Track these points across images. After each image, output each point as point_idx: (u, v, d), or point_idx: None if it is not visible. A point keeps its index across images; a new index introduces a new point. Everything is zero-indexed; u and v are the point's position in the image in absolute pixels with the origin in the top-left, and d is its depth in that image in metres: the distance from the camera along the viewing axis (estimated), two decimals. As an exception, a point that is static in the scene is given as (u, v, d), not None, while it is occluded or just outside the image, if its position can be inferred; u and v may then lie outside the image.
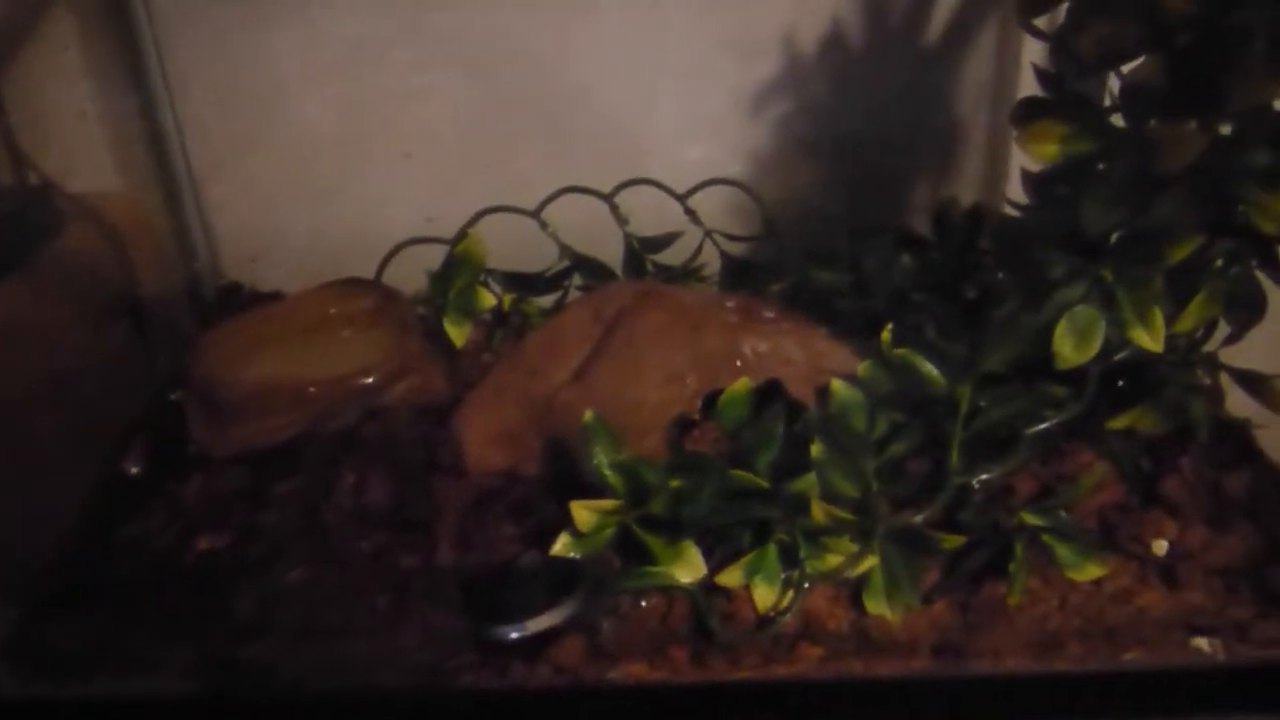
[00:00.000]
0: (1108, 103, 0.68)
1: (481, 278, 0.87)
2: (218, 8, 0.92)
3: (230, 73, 0.94)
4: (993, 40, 0.94)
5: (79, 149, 0.88)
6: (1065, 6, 0.71)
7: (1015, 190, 0.76)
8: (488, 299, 0.87)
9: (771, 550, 0.64)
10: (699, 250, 0.90)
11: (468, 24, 0.93)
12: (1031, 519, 0.66)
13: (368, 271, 0.88)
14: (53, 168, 0.87)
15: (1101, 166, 0.66)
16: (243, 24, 0.92)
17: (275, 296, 0.95)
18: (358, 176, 0.97)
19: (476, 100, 0.95)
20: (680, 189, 0.91)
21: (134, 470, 0.77)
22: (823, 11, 0.93)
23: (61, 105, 0.88)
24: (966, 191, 0.99)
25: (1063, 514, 0.67)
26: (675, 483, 0.64)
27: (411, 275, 0.88)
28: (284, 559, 0.68)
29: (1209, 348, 0.73)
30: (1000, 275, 0.73)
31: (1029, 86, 0.73)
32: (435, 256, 0.88)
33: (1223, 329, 0.72)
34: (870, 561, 0.64)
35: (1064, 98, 0.69)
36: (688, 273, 0.89)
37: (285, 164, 0.97)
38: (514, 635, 0.60)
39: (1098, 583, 0.66)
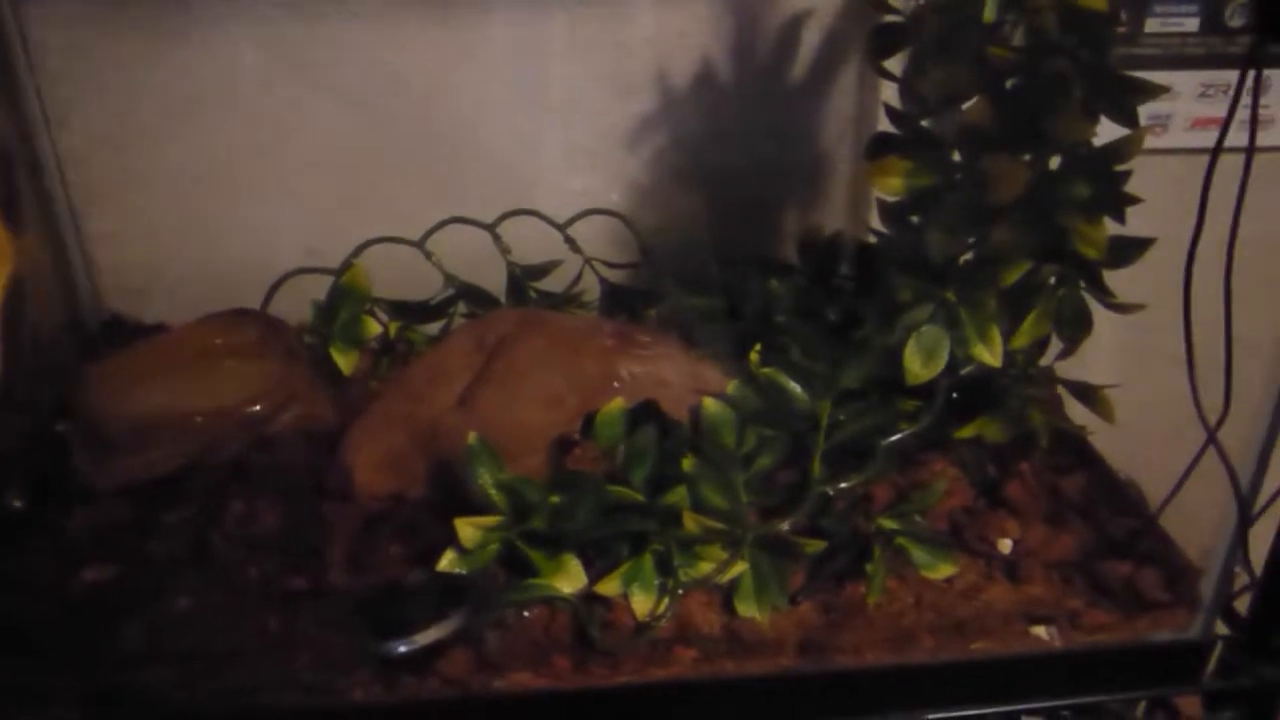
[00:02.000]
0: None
1: (367, 307, 0.89)
2: (99, 40, 0.92)
3: (112, 106, 0.94)
4: (854, 77, 1.00)
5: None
6: (911, 50, 0.77)
7: (876, 218, 0.81)
8: (374, 327, 0.89)
9: (648, 560, 0.67)
10: (579, 278, 0.94)
11: (350, 58, 0.95)
12: (888, 523, 0.72)
13: (252, 303, 0.89)
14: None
15: (944, 197, 0.72)
16: (125, 58, 0.92)
17: (159, 329, 0.96)
18: (241, 209, 0.98)
19: (359, 133, 0.97)
20: (561, 219, 0.94)
21: (16, 504, 0.76)
22: (695, 50, 0.98)
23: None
24: (832, 220, 1.04)
25: (917, 518, 0.73)
26: (555, 499, 0.67)
27: (297, 306, 0.90)
28: (173, 588, 0.69)
29: (1045, 362, 0.80)
30: (857, 299, 0.79)
31: (886, 123, 0.79)
32: (320, 287, 0.90)
33: (1057, 345, 0.78)
34: (740, 567, 0.68)
35: (910, 135, 0.75)
36: (568, 299, 0.93)
37: (168, 197, 0.97)
38: (402, 649, 0.63)
39: (949, 580, 0.72)
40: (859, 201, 1.05)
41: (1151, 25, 1.02)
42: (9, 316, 0.88)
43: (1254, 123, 0.59)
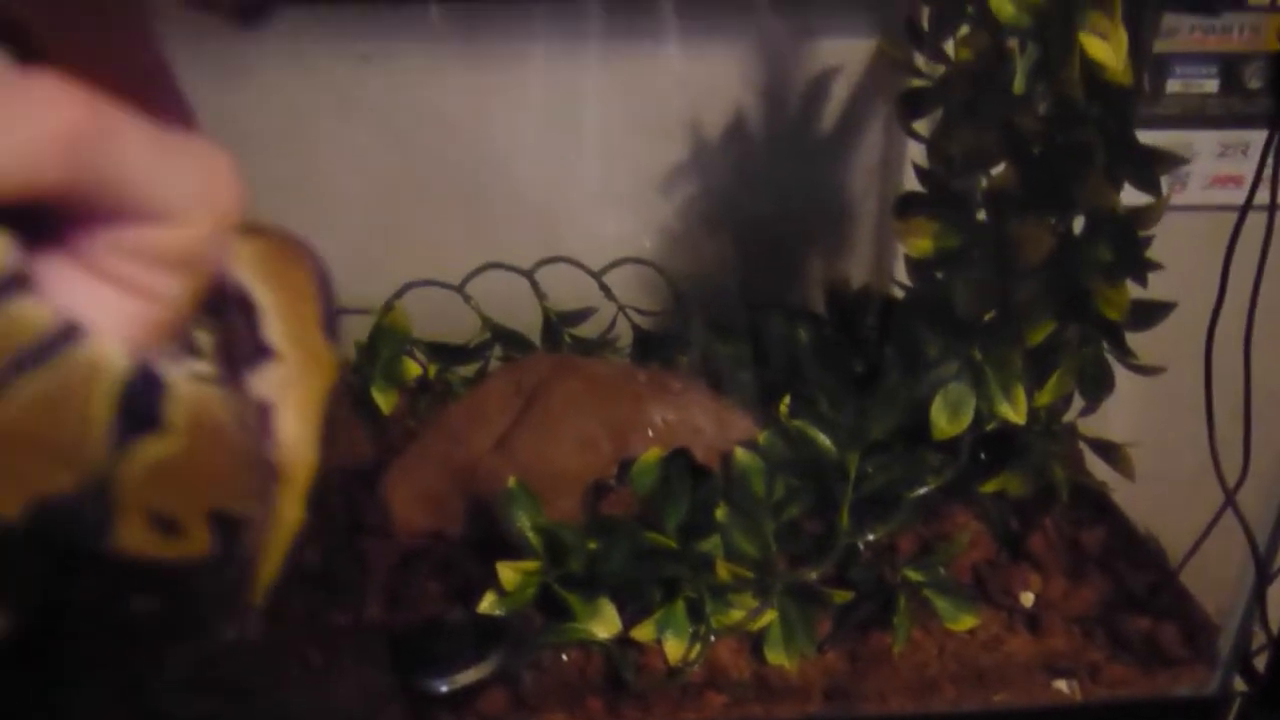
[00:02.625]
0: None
1: (407, 348, 0.92)
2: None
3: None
4: (880, 131, 1.03)
5: None
6: (940, 111, 0.80)
7: (901, 270, 0.84)
8: (414, 368, 0.91)
9: (680, 606, 0.70)
10: (613, 324, 0.96)
11: (392, 100, 0.98)
12: (913, 575, 0.74)
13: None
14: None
15: (972, 257, 0.74)
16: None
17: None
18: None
19: (399, 174, 1.00)
20: (595, 262, 0.97)
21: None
22: (726, 100, 1.01)
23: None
24: (857, 269, 1.07)
25: (941, 570, 0.75)
26: (592, 544, 0.69)
27: (339, 345, 0.92)
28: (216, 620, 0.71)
29: (1069, 418, 0.82)
30: (883, 351, 0.81)
31: (911, 176, 0.81)
32: (359, 325, 0.93)
33: (1080, 401, 0.80)
34: (770, 615, 0.70)
35: (938, 195, 0.78)
36: (602, 344, 0.95)
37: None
38: (442, 688, 0.65)
39: (972, 632, 0.74)
40: (883, 252, 1.08)
41: (1173, 86, 1.04)
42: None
43: (1275, 183, 0.61)
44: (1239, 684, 0.73)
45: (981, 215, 0.75)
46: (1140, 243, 0.71)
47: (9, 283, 0.18)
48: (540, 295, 0.95)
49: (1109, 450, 0.80)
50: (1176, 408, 0.78)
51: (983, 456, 0.78)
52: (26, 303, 0.18)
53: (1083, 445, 0.84)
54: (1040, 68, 0.67)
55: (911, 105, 0.81)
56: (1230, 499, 0.65)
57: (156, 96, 0.22)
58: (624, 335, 0.97)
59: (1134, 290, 0.73)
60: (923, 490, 0.76)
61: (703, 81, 1.00)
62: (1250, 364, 0.64)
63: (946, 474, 0.76)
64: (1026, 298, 0.72)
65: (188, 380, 0.21)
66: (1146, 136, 1.03)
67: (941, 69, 0.80)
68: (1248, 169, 1.09)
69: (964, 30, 0.73)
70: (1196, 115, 1.05)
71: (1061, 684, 0.71)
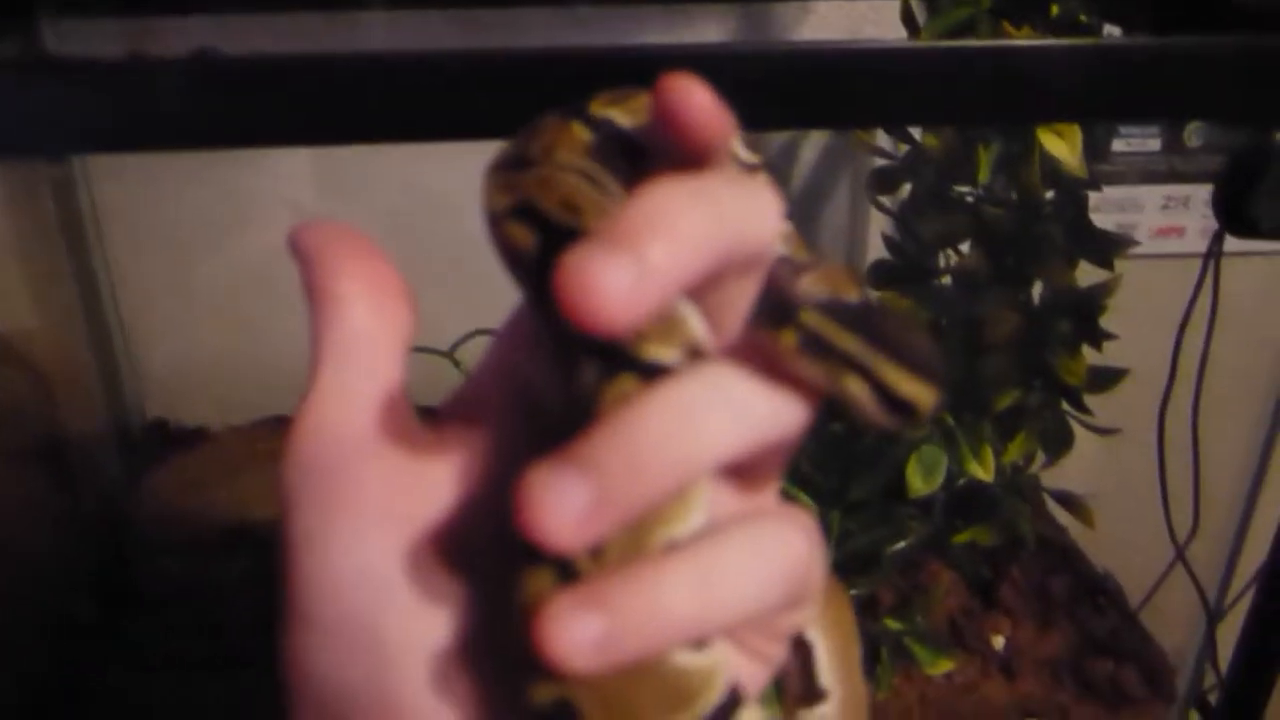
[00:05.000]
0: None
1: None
2: (146, 158, 0.99)
3: (159, 222, 1.00)
4: (847, 194, 1.09)
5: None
6: (908, 187, 0.86)
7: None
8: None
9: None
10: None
11: (386, 176, 1.02)
12: (894, 625, 0.79)
13: (289, 404, 0.95)
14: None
15: (942, 329, 0.80)
16: (169, 174, 0.99)
17: (200, 433, 1.01)
18: (281, 318, 1.05)
19: (391, 245, 1.04)
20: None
21: (86, 617, 0.81)
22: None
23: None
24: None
25: (919, 619, 0.80)
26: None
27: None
28: (244, 691, 0.74)
29: (1034, 471, 0.88)
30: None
31: (877, 242, 0.86)
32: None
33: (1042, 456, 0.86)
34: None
35: (908, 269, 0.83)
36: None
37: (210, 306, 1.04)
38: None
39: (949, 676, 0.79)
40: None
41: (1118, 145, 1.11)
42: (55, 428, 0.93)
43: (1214, 307, 0.67)
44: (1194, 717, 0.79)
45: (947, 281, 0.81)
46: (1096, 315, 0.77)
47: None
48: (531, 361, 0.99)
49: (1070, 501, 0.86)
50: (1139, 459, 0.84)
51: (954, 509, 0.83)
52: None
53: (1046, 497, 0.90)
54: (1002, 160, 0.73)
55: (881, 182, 0.86)
56: (1180, 554, 0.71)
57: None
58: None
59: (1089, 355, 0.79)
60: (900, 545, 0.81)
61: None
62: (1198, 435, 0.70)
63: (921, 530, 0.82)
64: (993, 369, 0.77)
65: None
66: (1099, 194, 1.11)
67: (907, 148, 0.85)
68: (1189, 221, 1.17)
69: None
70: (1141, 171, 1.12)
71: (1034, 726, 0.76)
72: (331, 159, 1.02)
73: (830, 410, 0.23)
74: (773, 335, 0.22)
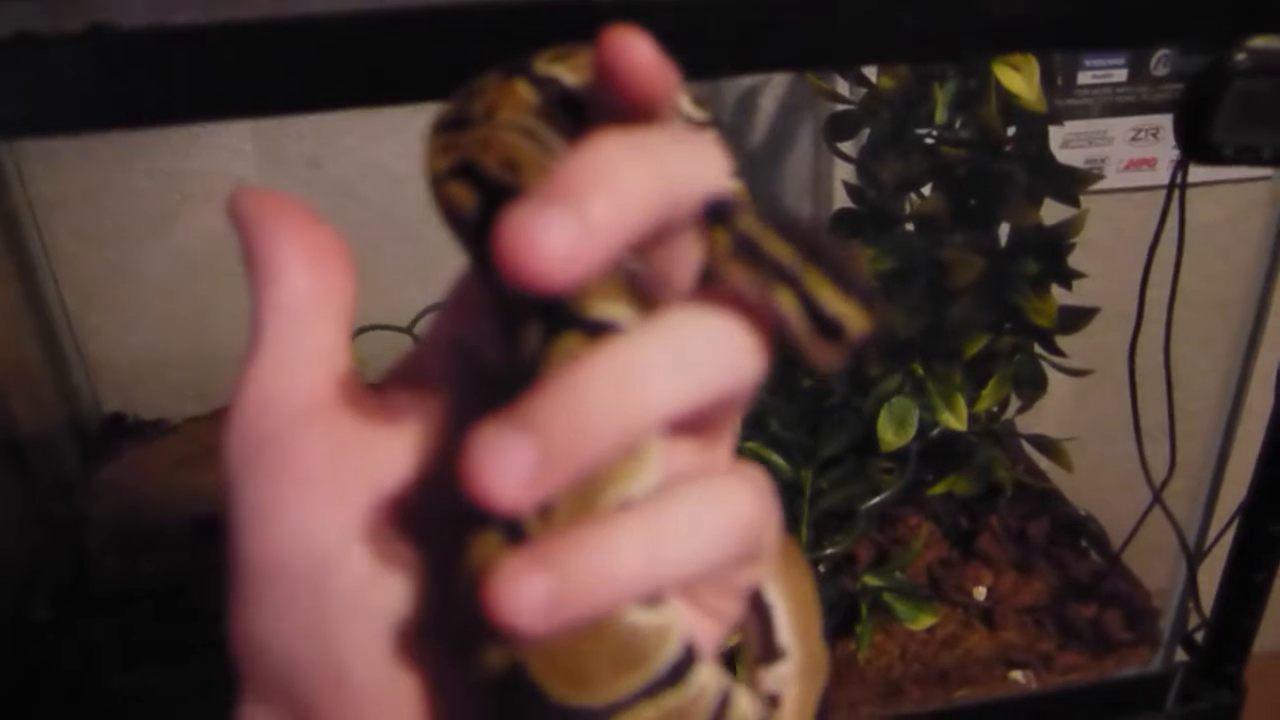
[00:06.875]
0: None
1: (363, 393, 0.93)
2: (88, 141, 0.95)
3: (98, 206, 0.97)
4: (809, 145, 1.06)
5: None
6: (867, 132, 0.83)
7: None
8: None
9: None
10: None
11: (341, 155, 0.99)
12: (872, 581, 0.77)
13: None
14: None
15: (906, 278, 0.78)
16: (106, 159, 0.96)
17: (158, 425, 0.99)
18: (236, 300, 1.02)
19: (349, 224, 1.01)
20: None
21: (42, 615, 0.80)
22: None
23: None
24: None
25: (898, 574, 0.78)
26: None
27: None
28: (195, 687, 0.73)
29: (1010, 416, 0.86)
30: (831, 372, 0.84)
31: (841, 190, 0.84)
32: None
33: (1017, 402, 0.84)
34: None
35: (870, 215, 0.81)
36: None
37: (160, 293, 1.01)
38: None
39: (931, 630, 0.78)
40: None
41: (1084, 78, 1.09)
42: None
43: (1181, 239, 0.65)
44: (1180, 655, 0.78)
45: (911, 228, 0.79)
46: (1063, 253, 0.75)
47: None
48: (491, 332, 0.97)
49: (1046, 445, 0.84)
50: (1116, 399, 0.82)
51: (929, 459, 0.82)
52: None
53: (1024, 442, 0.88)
54: (960, 98, 0.71)
55: (838, 129, 0.84)
56: (1157, 496, 0.70)
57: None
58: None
59: (1060, 295, 0.77)
60: (876, 500, 0.80)
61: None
62: (1171, 367, 0.68)
63: (897, 483, 0.80)
64: (961, 314, 0.75)
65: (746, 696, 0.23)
66: (1066, 129, 1.08)
67: (864, 91, 0.83)
68: (1160, 152, 1.15)
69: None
70: (1109, 104, 1.10)
71: (1018, 675, 0.75)
72: (276, 135, 0.99)
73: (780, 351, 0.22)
74: (707, 233, 0.21)
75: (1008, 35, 0.47)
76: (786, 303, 0.21)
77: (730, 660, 0.27)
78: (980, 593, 0.80)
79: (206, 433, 0.89)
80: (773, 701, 0.27)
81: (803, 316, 0.21)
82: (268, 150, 0.99)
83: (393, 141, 0.99)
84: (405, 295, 0.97)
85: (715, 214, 0.21)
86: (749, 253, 0.21)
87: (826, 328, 0.21)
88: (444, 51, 0.42)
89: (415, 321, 0.96)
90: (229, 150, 0.99)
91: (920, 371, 0.78)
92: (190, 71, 0.43)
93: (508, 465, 0.18)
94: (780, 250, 0.21)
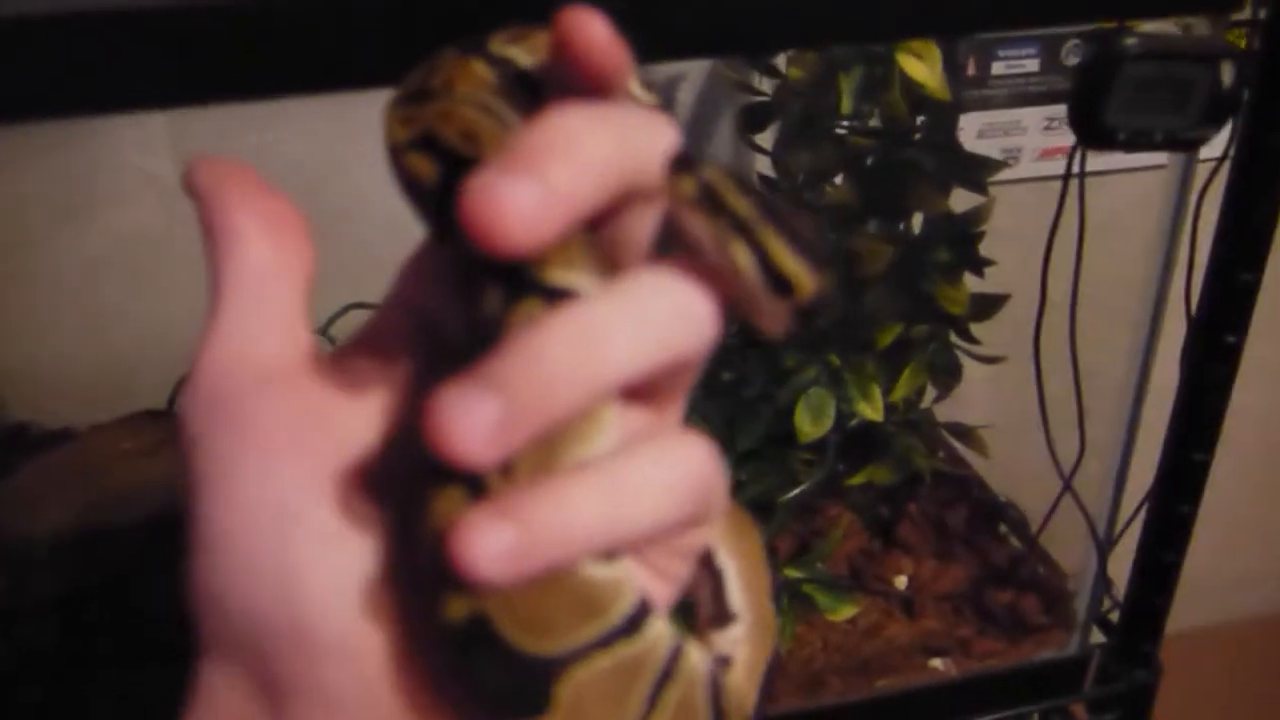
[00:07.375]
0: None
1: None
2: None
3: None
4: (729, 136, 1.06)
5: None
6: (779, 125, 0.83)
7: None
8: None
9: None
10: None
11: (242, 147, 0.97)
12: (793, 572, 0.77)
13: (157, 398, 0.90)
14: None
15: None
16: (10, 151, 0.92)
17: (65, 434, 0.96)
18: (139, 302, 0.99)
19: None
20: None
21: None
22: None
23: None
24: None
25: (819, 565, 0.78)
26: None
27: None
28: (112, 704, 0.71)
29: (927, 405, 0.87)
30: (745, 360, 0.84)
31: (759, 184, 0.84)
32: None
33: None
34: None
35: (784, 207, 0.81)
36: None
37: (67, 294, 0.98)
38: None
39: (853, 621, 0.78)
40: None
41: (997, 68, 1.10)
42: None
43: (1082, 226, 0.66)
44: (1096, 635, 0.79)
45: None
46: (974, 240, 0.76)
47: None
48: (407, 332, 0.95)
49: (963, 433, 0.85)
50: (1030, 385, 0.82)
51: (848, 449, 0.82)
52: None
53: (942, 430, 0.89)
54: (864, 87, 0.71)
55: (751, 120, 0.84)
56: (1067, 483, 0.70)
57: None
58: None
59: (972, 284, 0.77)
60: (795, 493, 0.80)
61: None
62: (1078, 353, 0.69)
63: (815, 474, 0.80)
64: (874, 304, 0.75)
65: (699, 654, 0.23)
66: (980, 118, 1.09)
67: (776, 83, 0.82)
68: (1072, 140, 1.16)
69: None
70: (1021, 94, 1.11)
71: (937, 662, 0.75)
72: (190, 127, 0.96)
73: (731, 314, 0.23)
74: (673, 180, 0.22)
75: (914, 20, 0.47)
76: (742, 257, 0.22)
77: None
78: (901, 581, 0.80)
79: (111, 440, 0.86)
80: (724, 662, 0.28)
81: (756, 271, 0.22)
82: (182, 142, 0.96)
83: (299, 133, 0.97)
84: (319, 295, 0.95)
85: (681, 162, 0.22)
86: (711, 202, 0.22)
87: (779, 285, 0.22)
88: (388, 35, 0.42)
89: (330, 323, 0.94)
90: (140, 146, 0.96)
91: (836, 362, 0.78)
92: (72, 58, 0.42)
93: (472, 420, 0.19)
94: (740, 204, 0.22)
